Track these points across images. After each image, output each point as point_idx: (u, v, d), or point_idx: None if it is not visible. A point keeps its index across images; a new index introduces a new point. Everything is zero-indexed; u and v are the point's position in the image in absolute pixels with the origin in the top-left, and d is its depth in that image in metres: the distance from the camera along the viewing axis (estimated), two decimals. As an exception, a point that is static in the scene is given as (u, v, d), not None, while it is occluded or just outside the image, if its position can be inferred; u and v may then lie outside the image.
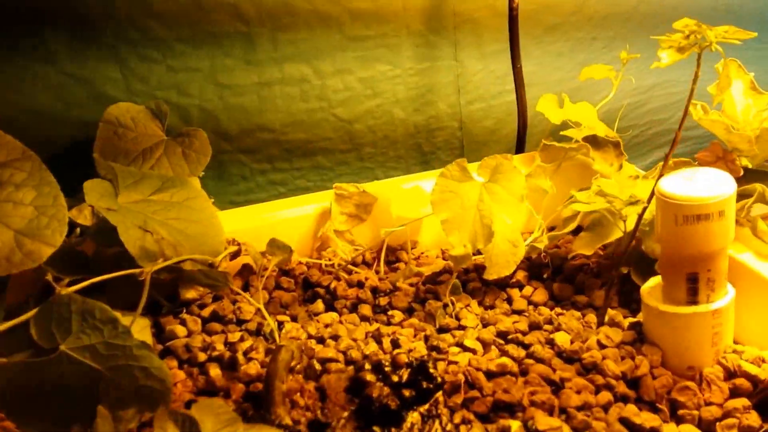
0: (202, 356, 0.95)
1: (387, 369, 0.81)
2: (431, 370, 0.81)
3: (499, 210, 1.00)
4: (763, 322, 0.90)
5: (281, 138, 1.28)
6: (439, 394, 0.80)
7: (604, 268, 1.07)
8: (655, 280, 0.92)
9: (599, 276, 1.07)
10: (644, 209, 0.91)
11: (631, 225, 0.95)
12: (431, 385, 0.80)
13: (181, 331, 1.00)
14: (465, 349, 0.91)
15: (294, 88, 1.26)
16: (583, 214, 1.04)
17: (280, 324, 1.00)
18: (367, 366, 0.82)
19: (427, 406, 0.78)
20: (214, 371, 0.91)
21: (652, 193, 0.90)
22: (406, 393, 0.79)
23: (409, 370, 0.81)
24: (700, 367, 0.87)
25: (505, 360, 0.87)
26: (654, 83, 1.45)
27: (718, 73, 1.05)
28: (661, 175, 0.89)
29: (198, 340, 0.97)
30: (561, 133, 1.19)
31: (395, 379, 0.80)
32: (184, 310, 1.05)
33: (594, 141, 1.11)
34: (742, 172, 0.98)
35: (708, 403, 0.82)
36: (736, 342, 0.91)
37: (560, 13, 1.37)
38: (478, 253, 1.02)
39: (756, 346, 0.89)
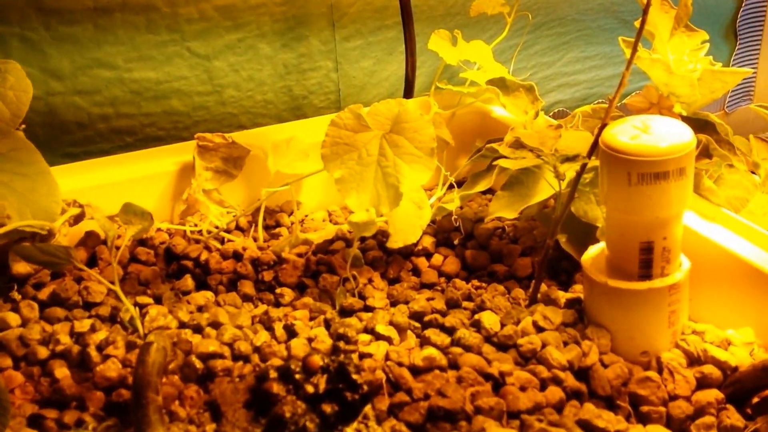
0: (43, 352, 0.73)
1: (298, 377, 0.63)
2: (354, 376, 0.63)
3: (404, 166, 0.83)
4: (719, 297, 0.78)
5: (125, 76, 1.05)
6: (369, 408, 0.62)
7: (521, 232, 0.93)
8: (595, 250, 0.79)
9: (517, 241, 0.92)
10: (583, 166, 0.77)
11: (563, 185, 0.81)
12: (356, 396, 0.62)
13: (13, 318, 0.78)
14: (378, 336, 0.75)
15: (139, 16, 1.03)
16: (498, 169, 0.89)
17: (142, 308, 0.80)
18: (272, 373, 0.63)
19: (355, 425, 0.61)
20: (61, 371, 0.71)
21: (593, 147, 0.76)
22: (327, 409, 0.61)
23: (326, 376, 0.63)
24: (655, 351, 0.74)
25: (431, 351, 0.71)
26: (541, 22, 1.32)
27: (640, 4, 0.92)
28: (603, 125, 0.75)
29: (36, 331, 0.76)
30: (460, 75, 1.03)
31: (310, 389, 0.62)
32: (15, 288, 0.82)
33: (502, 85, 0.96)
34: (680, 121, 0.86)
35: (673, 397, 0.69)
36: (691, 320, 0.79)
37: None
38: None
39: (713, 324, 0.78)
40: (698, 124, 0.88)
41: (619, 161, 0.70)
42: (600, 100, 1.45)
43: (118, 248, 0.78)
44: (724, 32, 1.58)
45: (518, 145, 0.84)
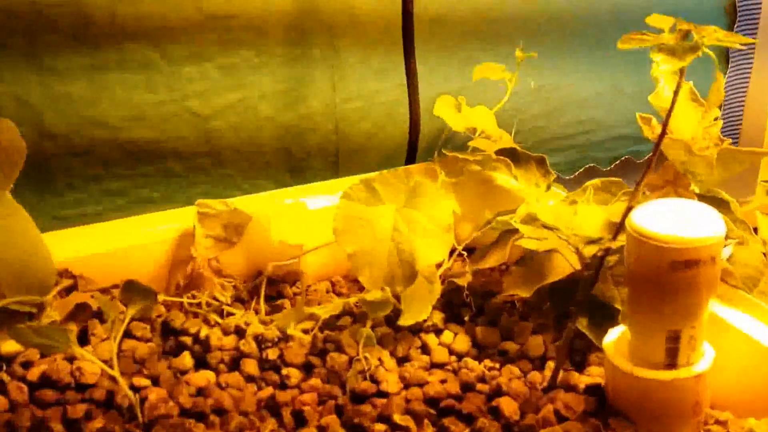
0: (33, 442, 0.66)
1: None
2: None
3: (419, 242, 0.78)
4: (739, 384, 0.74)
5: (120, 136, 0.99)
6: None
7: (532, 307, 0.88)
8: (616, 334, 0.74)
9: (527, 318, 0.87)
10: (607, 250, 0.72)
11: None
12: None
13: (1, 402, 0.71)
14: (394, 427, 0.69)
15: (137, 75, 0.97)
16: (512, 244, 0.84)
17: (138, 390, 0.73)
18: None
19: None
20: (54, 469, 0.64)
21: (618, 230, 0.72)
22: None
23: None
24: (679, 442, 0.70)
25: (452, 445, 0.66)
26: (532, 89, 1.29)
27: (655, 81, 0.89)
28: (630, 207, 0.70)
29: (26, 417, 0.69)
30: (469, 144, 0.99)
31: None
32: (4, 368, 0.75)
33: (513, 156, 0.92)
34: (696, 200, 0.82)
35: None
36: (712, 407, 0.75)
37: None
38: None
39: (731, 411, 0.73)
40: (713, 202, 0.85)
41: (649, 248, 0.65)
42: (591, 164, 1.42)
43: (117, 333, 0.72)
44: (717, 52, 1.56)
45: (532, 219, 0.80)
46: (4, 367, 0.75)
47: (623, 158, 1.46)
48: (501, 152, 0.93)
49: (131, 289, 0.74)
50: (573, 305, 0.76)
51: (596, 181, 0.91)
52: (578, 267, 0.76)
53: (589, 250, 0.73)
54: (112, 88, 0.96)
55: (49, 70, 0.91)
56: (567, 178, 1.40)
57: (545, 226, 0.77)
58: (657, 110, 0.87)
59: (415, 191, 0.80)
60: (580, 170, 1.42)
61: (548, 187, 0.90)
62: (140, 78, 0.97)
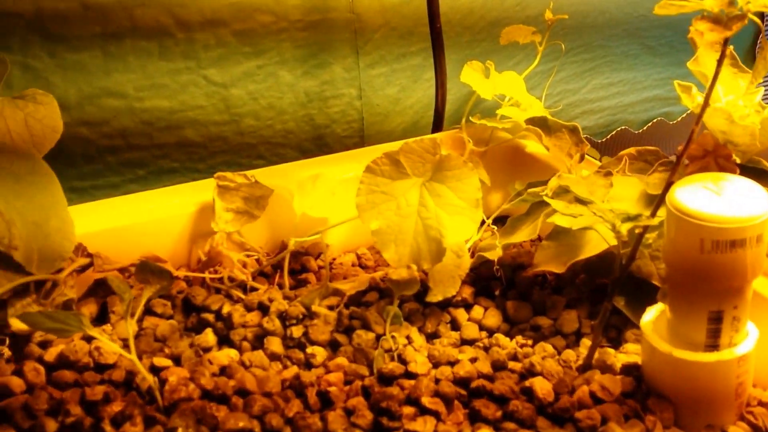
0: (51, 425, 0.64)
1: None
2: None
3: (447, 218, 0.74)
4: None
5: (136, 106, 0.95)
6: None
7: (565, 282, 0.84)
8: (654, 312, 0.70)
9: (561, 292, 0.84)
10: (645, 227, 0.68)
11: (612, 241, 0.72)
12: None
13: (17, 384, 0.68)
14: (423, 410, 0.66)
15: (151, 42, 0.94)
16: (544, 216, 0.80)
17: (159, 371, 0.71)
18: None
19: None
20: (73, 453, 0.62)
21: (657, 206, 0.68)
22: None
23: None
24: (721, 425, 0.67)
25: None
26: (567, 48, 1.23)
27: (692, 45, 0.84)
28: (670, 183, 0.66)
29: (43, 399, 0.66)
30: (498, 112, 0.95)
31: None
32: (7, 342, 0.73)
33: (544, 125, 0.87)
34: (738, 171, 0.78)
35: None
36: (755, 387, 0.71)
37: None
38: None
39: (775, 389, 0.70)
40: (754, 172, 0.80)
41: (691, 226, 0.62)
42: (622, 127, 1.38)
43: (133, 315, 0.69)
44: (743, 57, 1.51)
45: (564, 191, 0.76)
46: (7, 341, 0.73)
47: (655, 120, 1.42)
48: (531, 121, 0.89)
49: (146, 270, 0.71)
50: (609, 282, 0.72)
51: (632, 149, 0.87)
52: (614, 243, 0.72)
53: (625, 227, 0.69)
54: (125, 56, 0.92)
55: (59, 38, 0.88)
56: (598, 141, 1.36)
57: (578, 200, 0.73)
58: (695, 75, 0.82)
59: (442, 164, 0.76)
60: (612, 133, 1.37)
61: (582, 158, 0.85)
62: (153, 45, 0.94)
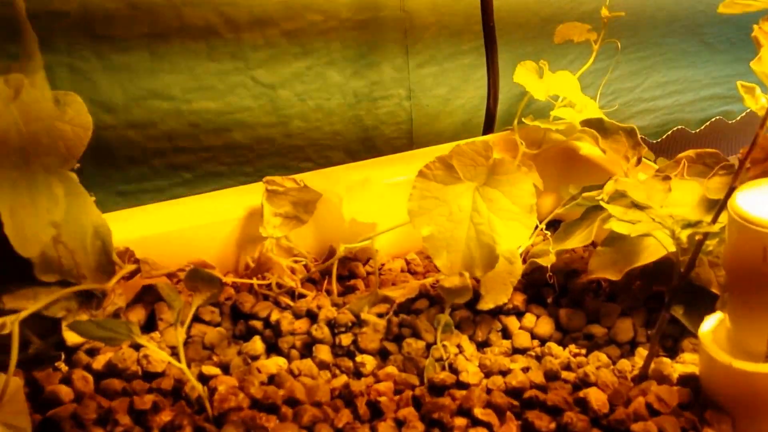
0: (100, 434, 0.66)
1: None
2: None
3: (500, 224, 0.74)
4: None
5: (183, 108, 0.96)
6: None
7: (619, 288, 0.83)
8: (713, 322, 0.69)
9: (615, 299, 0.83)
10: (706, 234, 0.67)
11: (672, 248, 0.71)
12: None
13: (65, 393, 0.70)
14: (475, 421, 0.66)
15: (198, 43, 0.94)
16: (599, 222, 0.79)
17: (208, 380, 0.71)
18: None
19: None
20: (123, 460, 0.63)
21: (718, 212, 0.67)
22: None
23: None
24: (782, 438, 0.66)
25: (539, 444, 0.62)
26: (622, 46, 1.21)
27: (756, 43, 0.82)
28: (732, 189, 0.65)
29: (91, 408, 0.68)
30: (552, 113, 0.94)
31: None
32: (63, 358, 0.75)
33: (600, 127, 0.86)
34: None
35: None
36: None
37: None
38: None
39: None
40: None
41: (754, 234, 0.61)
42: (679, 127, 1.35)
43: (183, 323, 0.69)
44: None
45: (621, 196, 0.75)
46: (63, 357, 0.74)
47: (713, 119, 1.39)
48: (587, 123, 0.88)
49: (196, 277, 0.72)
50: (667, 290, 0.71)
51: (690, 152, 0.86)
52: (672, 249, 0.71)
53: (685, 234, 0.68)
54: (173, 57, 0.93)
55: (106, 39, 0.89)
56: (653, 141, 1.34)
57: (636, 205, 0.72)
58: (758, 76, 0.80)
59: (495, 169, 0.76)
60: (667, 133, 1.35)
61: (639, 161, 0.84)
62: (202, 45, 0.94)
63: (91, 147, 0.91)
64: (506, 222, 0.74)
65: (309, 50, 1.00)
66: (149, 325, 0.81)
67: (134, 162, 0.97)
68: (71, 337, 0.74)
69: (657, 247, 0.76)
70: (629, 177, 0.83)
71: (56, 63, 0.88)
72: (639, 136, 0.85)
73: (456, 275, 0.74)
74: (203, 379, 0.72)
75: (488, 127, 1.06)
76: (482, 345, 0.80)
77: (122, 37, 0.91)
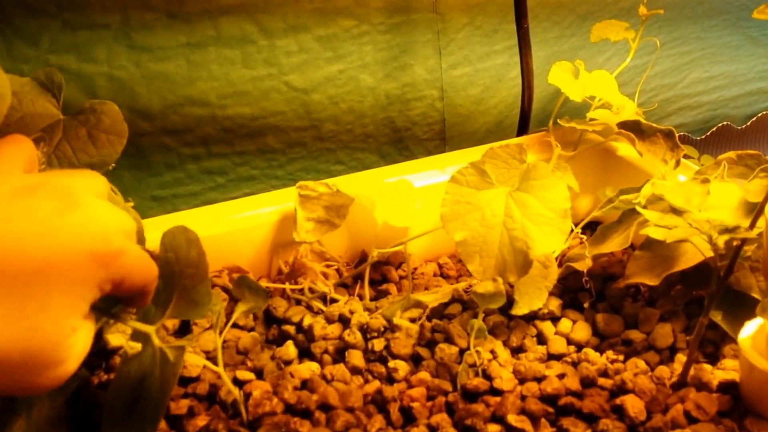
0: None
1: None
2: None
3: (534, 229, 0.75)
4: None
5: (218, 114, 0.99)
6: None
7: (658, 293, 0.84)
8: (754, 327, 0.70)
9: (654, 304, 0.84)
10: (743, 241, 0.68)
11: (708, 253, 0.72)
12: None
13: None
14: (509, 428, 0.68)
15: (234, 51, 0.97)
16: (637, 226, 0.80)
17: (242, 384, 0.74)
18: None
19: None
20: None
21: (756, 218, 0.68)
22: None
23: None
24: (825, 447, 0.66)
25: (573, 452, 0.64)
26: (662, 41, 1.22)
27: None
28: (770, 194, 0.66)
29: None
30: (589, 115, 0.95)
31: None
32: (103, 367, 0.77)
33: (637, 129, 0.87)
34: None
35: None
36: None
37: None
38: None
39: None
40: None
41: (793, 235, 0.61)
42: (724, 123, 1.35)
43: (221, 330, 0.72)
44: None
45: (658, 200, 0.76)
46: (104, 365, 0.77)
47: (760, 114, 1.39)
48: (623, 125, 0.88)
49: (243, 285, 0.74)
50: (706, 295, 0.72)
51: (731, 153, 0.86)
52: (710, 254, 0.71)
53: (723, 239, 0.69)
54: (209, 65, 0.96)
55: (144, 48, 0.92)
56: (697, 138, 1.34)
57: (673, 209, 0.73)
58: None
59: (528, 174, 0.77)
60: (712, 129, 1.35)
61: (677, 163, 0.85)
62: (237, 53, 0.97)
63: (128, 154, 0.95)
64: (540, 227, 0.75)
65: (341, 54, 1.02)
66: (183, 330, 0.84)
67: (170, 167, 0.99)
68: (114, 340, 0.77)
69: (695, 251, 0.77)
70: (667, 180, 0.83)
71: (96, 73, 0.91)
72: (677, 136, 0.86)
73: (489, 281, 0.75)
74: (237, 383, 0.74)
75: (523, 128, 1.07)
76: (517, 351, 0.81)
77: (160, 46, 0.94)
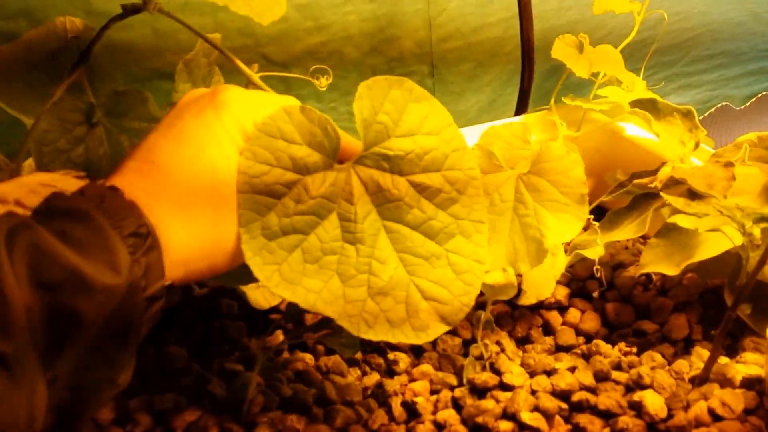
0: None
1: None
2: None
3: (548, 216, 0.75)
4: None
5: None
6: None
7: (671, 282, 0.85)
8: (780, 320, 0.71)
9: (667, 293, 0.84)
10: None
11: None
12: None
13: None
14: (522, 426, 0.67)
15: (204, 18, 0.95)
16: (653, 212, 0.80)
17: (231, 376, 0.73)
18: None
19: None
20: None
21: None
22: None
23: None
24: None
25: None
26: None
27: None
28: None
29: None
30: (599, 92, 0.95)
31: None
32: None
33: (653, 108, 0.87)
34: None
35: None
36: None
37: None
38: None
39: None
40: None
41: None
42: (723, 103, 1.37)
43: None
44: None
45: (675, 183, 0.76)
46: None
47: (761, 94, 1.40)
48: (637, 103, 0.88)
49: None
50: (725, 283, 0.72)
51: (751, 135, 0.86)
52: (737, 242, 0.72)
53: (757, 228, 0.69)
54: (176, 34, 0.94)
55: (104, 14, 0.87)
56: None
57: (694, 194, 0.73)
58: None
59: (540, 155, 0.76)
60: (711, 110, 1.36)
61: (696, 145, 0.85)
62: (208, 20, 0.95)
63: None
64: (555, 213, 0.74)
65: (323, 25, 1.01)
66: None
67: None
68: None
69: (717, 239, 0.76)
70: (685, 163, 0.83)
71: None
72: (696, 117, 0.86)
73: (499, 270, 0.74)
74: (226, 375, 0.73)
75: (522, 106, 1.07)
76: (522, 341, 0.81)
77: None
